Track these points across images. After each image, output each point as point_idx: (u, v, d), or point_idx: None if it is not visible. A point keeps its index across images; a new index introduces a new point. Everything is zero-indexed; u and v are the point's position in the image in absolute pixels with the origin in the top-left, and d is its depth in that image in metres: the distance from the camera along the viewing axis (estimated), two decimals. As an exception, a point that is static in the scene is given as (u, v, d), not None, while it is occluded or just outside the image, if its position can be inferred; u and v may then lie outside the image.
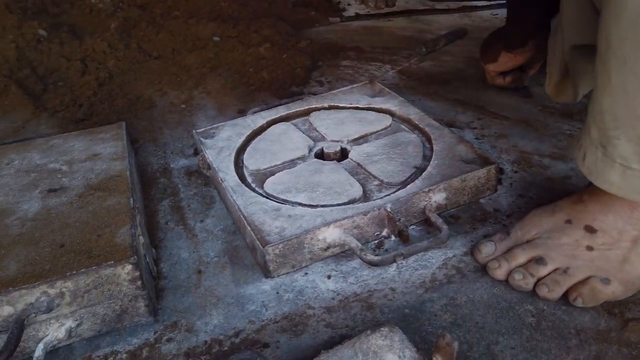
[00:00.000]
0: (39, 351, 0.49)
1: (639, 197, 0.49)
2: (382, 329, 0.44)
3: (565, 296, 0.52)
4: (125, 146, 0.71)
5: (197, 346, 0.52)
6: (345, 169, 0.69)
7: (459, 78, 1.02)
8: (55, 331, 0.51)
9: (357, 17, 1.43)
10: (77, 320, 0.51)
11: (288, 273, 0.59)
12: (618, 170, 0.48)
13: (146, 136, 0.91)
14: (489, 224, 0.64)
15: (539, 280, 0.53)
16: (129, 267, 0.50)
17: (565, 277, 0.52)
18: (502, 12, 1.35)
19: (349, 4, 1.54)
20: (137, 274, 0.51)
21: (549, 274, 0.53)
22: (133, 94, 1.05)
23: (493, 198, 0.68)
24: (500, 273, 0.55)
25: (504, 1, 1.35)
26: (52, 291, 0.49)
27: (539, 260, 0.54)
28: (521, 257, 0.55)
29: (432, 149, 0.71)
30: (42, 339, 0.50)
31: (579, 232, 0.54)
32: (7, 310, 0.48)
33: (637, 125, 0.45)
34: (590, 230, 0.54)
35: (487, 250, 0.57)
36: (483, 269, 0.57)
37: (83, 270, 0.49)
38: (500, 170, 0.71)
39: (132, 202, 0.59)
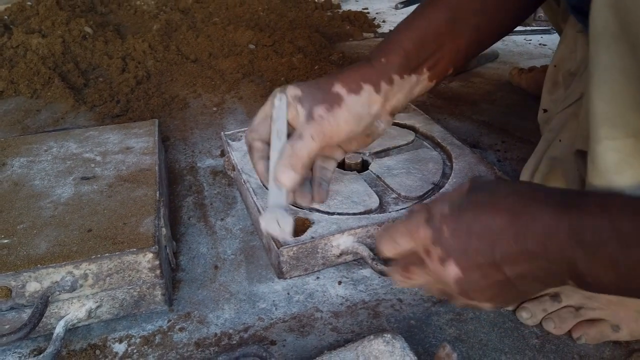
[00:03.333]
0: (59, 328, 0.52)
1: None
2: (385, 335, 0.45)
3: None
4: (157, 142, 0.74)
5: (207, 337, 0.54)
6: (365, 180, 0.70)
7: (486, 100, 1.03)
8: (76, 311, 0.53)
9: (391, 34, 1.46)
10: (97, 302, 0.54)
11: (300, 276, 0.61)
12: None
13: (177, 135, 0.94)
14: (502, 245, 0.64)
15: (547, 314, 0.53)
16: (149, 255, 0.53)
17: (575, 315, 0.51)
18: (535, 39, 1.36)
19: (384, 21, 1.56)
20: (157, 262, 0.53)
21: (559, 309, 0.53)
22: (168, 94, 1.10)
23: (509, 220, 0.68)
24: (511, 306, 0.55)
25: (538, 27, 1.36)
26: (76, 272, 0.52)
27: (554, 297, 0.53)
28: None
29: (452, 167, 0.72)
30: (63, 317, 0.53)
31: None
32: (34, 286, 0.51)
33: None
34: None
35: None
36: (492, 288, 0.57)
37: (107, 254, 0.52)
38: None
39: (158, 195, 0.62)
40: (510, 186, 0.41)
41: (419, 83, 0.55)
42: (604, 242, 0.34)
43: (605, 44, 0.42)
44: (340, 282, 0.60)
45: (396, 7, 1.51)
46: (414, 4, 1.61)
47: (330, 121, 0.50)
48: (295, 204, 0.62)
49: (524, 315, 0.53)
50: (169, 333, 0.55)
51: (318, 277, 0.61)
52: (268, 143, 0.54)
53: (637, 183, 0.45)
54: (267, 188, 0.54)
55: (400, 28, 0.55)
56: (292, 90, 0.52)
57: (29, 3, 1.52)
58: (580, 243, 0.35)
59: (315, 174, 0.60)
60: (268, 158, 0.53)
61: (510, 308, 0.55)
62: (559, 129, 0.64)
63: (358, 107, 0.52)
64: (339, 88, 0.52)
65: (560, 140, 0.64)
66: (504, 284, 0.39)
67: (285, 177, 0.50)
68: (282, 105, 0.53)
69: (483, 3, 0.55)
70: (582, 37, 0.63)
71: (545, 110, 0.70)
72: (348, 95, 0.51)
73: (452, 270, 0.40)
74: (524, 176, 0.66)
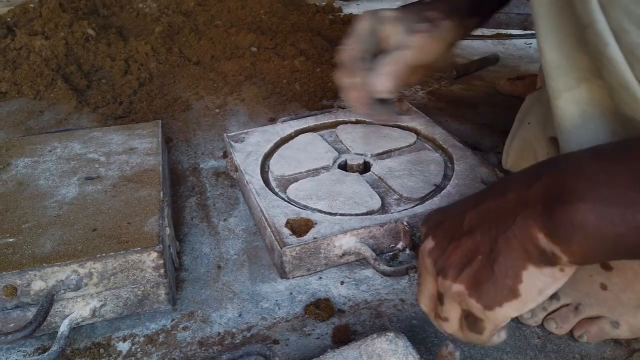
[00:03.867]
0: (64, 326, 0.52)
1: None
2: (388, 333, 0.45)
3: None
4: (160, 143, 0.75)
5: (210, 336, 0.54)
6: (367, 182, 0.71)
7: (487, 103, 1.04)
8: (80, 309, 0.54)
9: (392, 37, 1.46)
10: (101, 301, 0.54)
11: (303, 276, 0.61)
12: None
13: (180, 136, 0.95)
14: (503, 246, 0.65)
15: (548, 314, 0.53)
16: (154, 254, 0.53)
17: (575, 313, 0.52)
18: (535, 42, 1.36)
19: (385, 24, 1.57)
20: (161, 262, 0.54)
21: (559, 308, 0.53)
22: (171, 96, 1.10)
23: (510, 221, 0.69)
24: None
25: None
26: (81, 270, 0.52)
27: (553, 295, 0.53)
28: None
29: (453, 169, 0.72)
30: (67, 315, 0.53)
31: (594, 267, 0.53)
32: (39, 284, 0.52)
33: None
34: (605, 267, 0.52)
35: None
36: (493, 289, 0.58)
37: (112, 253, 0.52)
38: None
39: (162, 195, 0.62)
40: None
41: (472, 27, 0.63)
42: (589, 163, 0.33)
43: None
44: (342, 282, 0.60)
45: None
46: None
47: (432, 36, 0.56)
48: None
49: (524, 315, 0.53)
50: (173, 332, 0.55)
51: (321, 277, 0.61)
52: (367, 57, 0.58)
53: (603, 134, 0.45)
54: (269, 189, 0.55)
55: None
56: (389, 12, 0.57)
57: (31, 5, 1.53)
58: (554, 168, 0.34)
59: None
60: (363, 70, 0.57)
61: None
62: (526, 112, 0.68)
63: (450, 31, 0.58)
64: (433, 12, 0.58)
65: (529, 123, 0.67)
66: (470, 249, 0.37)
67: (384, 82, 0.55)
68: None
69: None
70: None
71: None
72: (442, 21, 0.58)
73: (427, 244, 0.41)
74: (503, 156, 0.71)
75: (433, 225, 0.42)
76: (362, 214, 0.64)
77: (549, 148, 0.61)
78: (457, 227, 0.39)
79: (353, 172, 0.74)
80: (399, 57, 0.54)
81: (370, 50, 0.57)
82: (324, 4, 1.68)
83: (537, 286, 0.35)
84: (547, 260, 0.34)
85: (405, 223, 0.62)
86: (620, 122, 0.44)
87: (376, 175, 0.72)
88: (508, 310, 0.36)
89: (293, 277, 0.61)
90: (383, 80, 0.54)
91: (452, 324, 0.40)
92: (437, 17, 0.57)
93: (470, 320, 0.38)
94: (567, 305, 0.53)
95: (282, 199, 0.68)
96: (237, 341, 0.54)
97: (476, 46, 1.37)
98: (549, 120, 0.58)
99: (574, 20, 0.39)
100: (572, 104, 0.44)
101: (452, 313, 0.40)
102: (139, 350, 0.53)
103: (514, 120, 0.72)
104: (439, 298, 0.40)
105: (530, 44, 1.37)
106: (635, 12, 0.33)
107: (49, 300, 0.51)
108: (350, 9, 1.70)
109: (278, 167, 0.75)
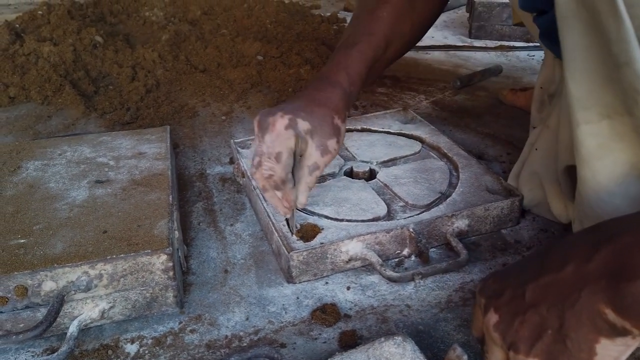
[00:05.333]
0: (73, 327, 0.53)
1: None
2: (396, 337, 0.46)
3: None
4: (169, 148, 0.76)
5: (218, 339, 0.55)
6: (373, 189, 0.71)
7: (491, 113, 1.05)
8: (89, 311, 0.54)
9: (396, 47, 1.48)
10: (110, 303, 0.55)
11: (309, 280, 0.62)
12: None
13: (186, 142, 0.96)
14: (508, 254, 0.65)
15: None
16: (163, 257, 0.54)
17: None
18: (538, 54, 1.38)
19: (389, 35, 1.59)
20: (170, 264, 0.54)
21: None
22: (178, 103, 1.11)
23: (515, 230, 0.70)
24: None
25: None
26: (92, 272, 0.53)
27: None
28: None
29: (458, 177, 0.73)
30: (76, 317, 0.54)
31: None
32: (50, 285, 0.52)
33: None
34: None
35: None
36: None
37: (122, 255, 0.53)
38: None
39: (171, 198, 0.63)
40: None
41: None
42: None
43: (569, 25, 0.43)
44: (348, 288, 0.61)
45: None
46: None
47: (337, 151, 0.61)
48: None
49: None
50: (180, 334, 0.55)
51: (327, 282, 0.62)
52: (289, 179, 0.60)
53: (619, 170, 0.46)
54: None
55: (350, 52, 0.66)
56: (303, 125, 0.58)
57: (40, 12, 1.55)
58: (612, 240, 0.34)
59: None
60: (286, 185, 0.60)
61: None
62: (537, 137, 0.69)
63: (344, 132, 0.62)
64: (337, 121, 0.61)
65: (536, 149, 0.69)
66: (538, 324, 0.37)
67: (305, 197, 0.60)
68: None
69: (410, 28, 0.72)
70: (558, 61, 0.66)
71: (534, 127, 0.73)
72: (342, 125, 0.61)
73: (491, 317, 0.40)
74: (510, 180, 0.73)
75: (492, 295, 0.41)
76: (368, 221, 0.65)
77: (562, 178, 0.61)
78: (520, 301, 0.39)
79: (359, 179, 0.75)
80: (314, 175, 0.59)
81: (290, 169, 0.59)
82: (329, 14, 1.70)
83: (611, 356, 0.35)
84: (618, 332, 0.34)
85: (411, 230, 0.63)
86: None
87: (382, 182, 0.73)
88: None
89: (300, 282, 0.61)
90: (302, 197, 0.60)
91: None
92: (340, 124, 0.61)
93: None
94: None
95: (289, 204, 0.69)
96: (245, 344, 0.54)
97: (479, 57, 1.38)
98: (562, 148, 0.59)
99: (606, 58, 0.40)
100: (590, 136, 0.45)
101: None
102: (146, 352, 0.53)
103: (525, 144, 0.73)
104: None
105: (533, 56, 1.38)
106: None
107: (59, 300, 0.51)
108: (354, 20, 1.72)
109: (285, 173, 0.76)
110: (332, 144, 0.59)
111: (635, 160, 0.46)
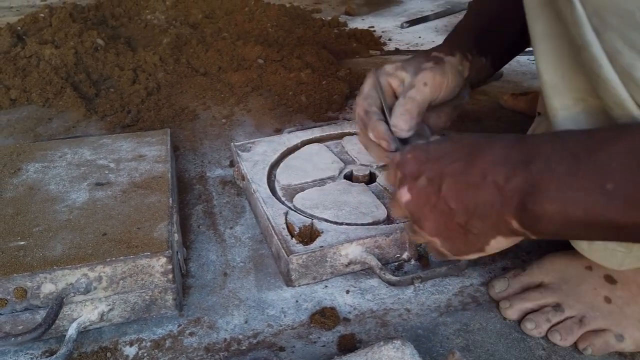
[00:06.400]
0: (72, 330, 0.53)
1: (604, 262, 0.50)
2: (395, 341, 0.46)
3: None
4: (169, 151, 0.76)
5: (217, 342, 0.55)
6: (373, 192, 0.71)
7: (491, 117, 1.05)
8: (88, 313, 0.54)
9: (397, 51, 1.48)
10: (109, 305, 0.55)
11: (309, 284, 0.62)
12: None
13: (187, 145, 0.96)
14: (508, 258, 0.65)
15: (552, 325, 0.54)
16: (163, 259, 0.54)
17: (579, 326, 0.52)
18: (540, 59, 1.38)
19: (389, 39, 1.59)
20: (170, 267, 0.54)
21: (563, 320, 0.54)
22: (178, 105, 1.12)
23: (514, 234, 0.69)
24: (511, 313, 0.56)
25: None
26: (91, 274, 0.53)
27: (556, 307, 0.54)
28: (537, 300, 0.56)
29: (458, 181, 0.73)
30: (75, 319, 0.54)
31: (598, 281, 0.54)
32: (49, 287, 0.52)
33: None
34: (610, 280, 0.54)
35: (500, 286, 0.59)
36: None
37: (122, 257, 0.53)
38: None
39: (171, 201, 0.63)
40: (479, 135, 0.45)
41: (484, 66, 0.63)
42: (558, 161, 0.37)
43: (536, 14, 0.44)
44: (348, 291, 0.61)
45: (402, 26, 1.54)
46: (420, 23, 1.64)
47: (438, 70, 0.57)
48: None
49: (528, 326, 0.54)
50: (179, 337, 0.55)
51: (326, 286, 0.62)
52: (380, 109, 0.59)
53: None
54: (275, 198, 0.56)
55: (464, 23, 0.66)
56: (391, 65, 0.59)
57: (41, 15, 1.55)
58: (528, 166, 0.38)
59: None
60: (384, 120, 0.57)
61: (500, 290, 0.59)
62: (537, 126, 0.70)
63: (456, 66, 0.59)
64: (436, 53, 0.59)
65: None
66: (446, 214, 0.43)
67: (403, 121, 0.55)
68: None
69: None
70: None
71: (539, 114, 0.73)
72: (446, 57, 0.59)
73: (404, 194, 0.46)
74: None
75: (408, 175, 0.46)
76: (368, 224, 0.65)
77: None
78: (434, 190, 0.44)
79: (359, 182, 0.75)
80: (410, 95, 0.56)
81: (379, 104, 0.58)
82: (330, 18, 1.71)
83: (500, 247, 0.43)
84: (515, 234, 0.41)
85: (410, 233, 0.63)
86: None
87: (382, 186, 0.73)
88: (471, 256, 0.45)
89: (299, 285, 0.61)
90: (399, 120, 0.55)
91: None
92: (440, 56, 0.59)
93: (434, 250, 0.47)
94: (571, 317, 0.53)
95: (289, 208, 0.69)
96: (244, 347, 0.54)
97: (480, 62, 1.38)
98: None
99: (570, 43, 0.41)
100: (568, 121, 0.46)
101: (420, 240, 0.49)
102: (145, 355, 0.53)
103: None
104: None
105: (534, 60, 1.39)
106: (628, 35, 0.34)
107: (58, 302, 0.51)
108: (355, 24, 1.72)
109: (284, 176, 0.76)
110: (425, 64, 0.57)
111: None
